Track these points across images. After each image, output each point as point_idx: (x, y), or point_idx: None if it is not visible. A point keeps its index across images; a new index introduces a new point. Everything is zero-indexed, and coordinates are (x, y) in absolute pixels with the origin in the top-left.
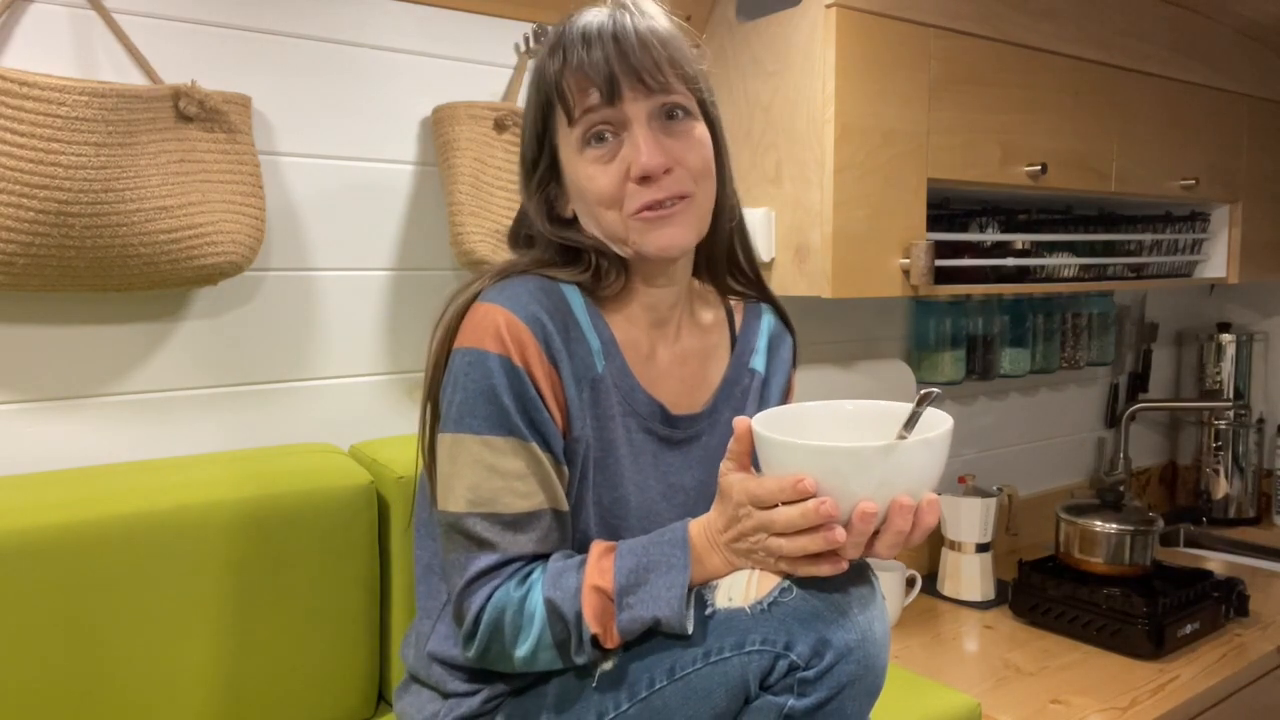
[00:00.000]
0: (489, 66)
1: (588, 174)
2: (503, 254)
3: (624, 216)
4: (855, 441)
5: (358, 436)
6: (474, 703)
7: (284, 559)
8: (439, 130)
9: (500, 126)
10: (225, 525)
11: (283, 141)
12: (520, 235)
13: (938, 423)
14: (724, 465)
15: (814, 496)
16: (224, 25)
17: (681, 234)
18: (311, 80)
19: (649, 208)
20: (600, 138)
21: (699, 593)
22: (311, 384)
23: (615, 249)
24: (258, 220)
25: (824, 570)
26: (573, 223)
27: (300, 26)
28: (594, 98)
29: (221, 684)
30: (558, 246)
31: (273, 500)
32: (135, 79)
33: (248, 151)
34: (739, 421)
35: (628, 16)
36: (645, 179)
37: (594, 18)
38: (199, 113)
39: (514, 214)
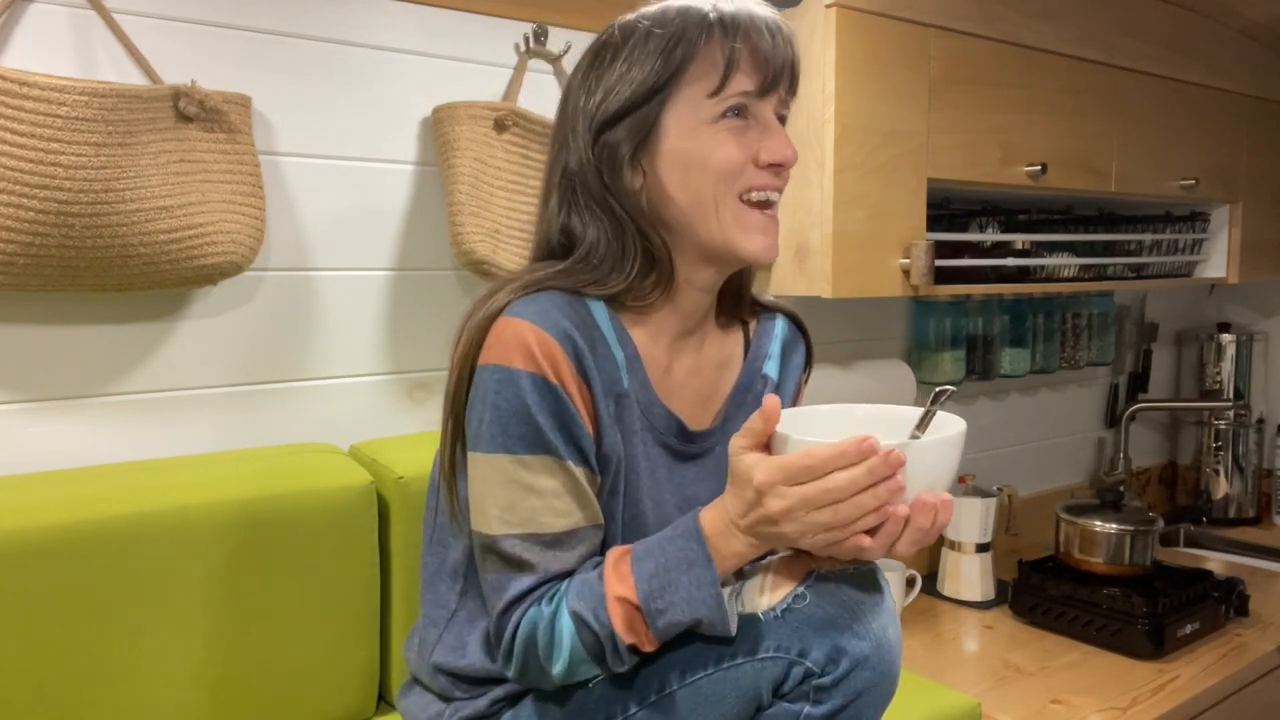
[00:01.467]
0: (489, 66)
1: (719, 140)
2: (503, 254)
3: (732, 196)
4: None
5: (358, 436)
6: (479, 704)
7: (284, 559)
8: (439, 130)
9: (500, 126)
10: (225, 525)
11: (283, 141)
12: (580, 201)
13: (951, 423)
14: (737, 442)
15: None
16: (224, 25)
17: (776, 245)
18: (311, 80)
19: (758, 190)
20: (739, 114)
21: (737, 593)
22: (311, 384)
23: (701, 230)
24: (258, 220)
25: (868, 548)
26: (638, 195)
27: (300, 26)
28: (752, 84)
29: (222, 683)
30: (624, 232)
31: (273, 500)
32: (135, 79)
33: (248, 151)
34: (769, 399)
35: (779, 16)
36: (777, 166)
37: (758, 9)
38: (199, 113)
39: (514, 214)
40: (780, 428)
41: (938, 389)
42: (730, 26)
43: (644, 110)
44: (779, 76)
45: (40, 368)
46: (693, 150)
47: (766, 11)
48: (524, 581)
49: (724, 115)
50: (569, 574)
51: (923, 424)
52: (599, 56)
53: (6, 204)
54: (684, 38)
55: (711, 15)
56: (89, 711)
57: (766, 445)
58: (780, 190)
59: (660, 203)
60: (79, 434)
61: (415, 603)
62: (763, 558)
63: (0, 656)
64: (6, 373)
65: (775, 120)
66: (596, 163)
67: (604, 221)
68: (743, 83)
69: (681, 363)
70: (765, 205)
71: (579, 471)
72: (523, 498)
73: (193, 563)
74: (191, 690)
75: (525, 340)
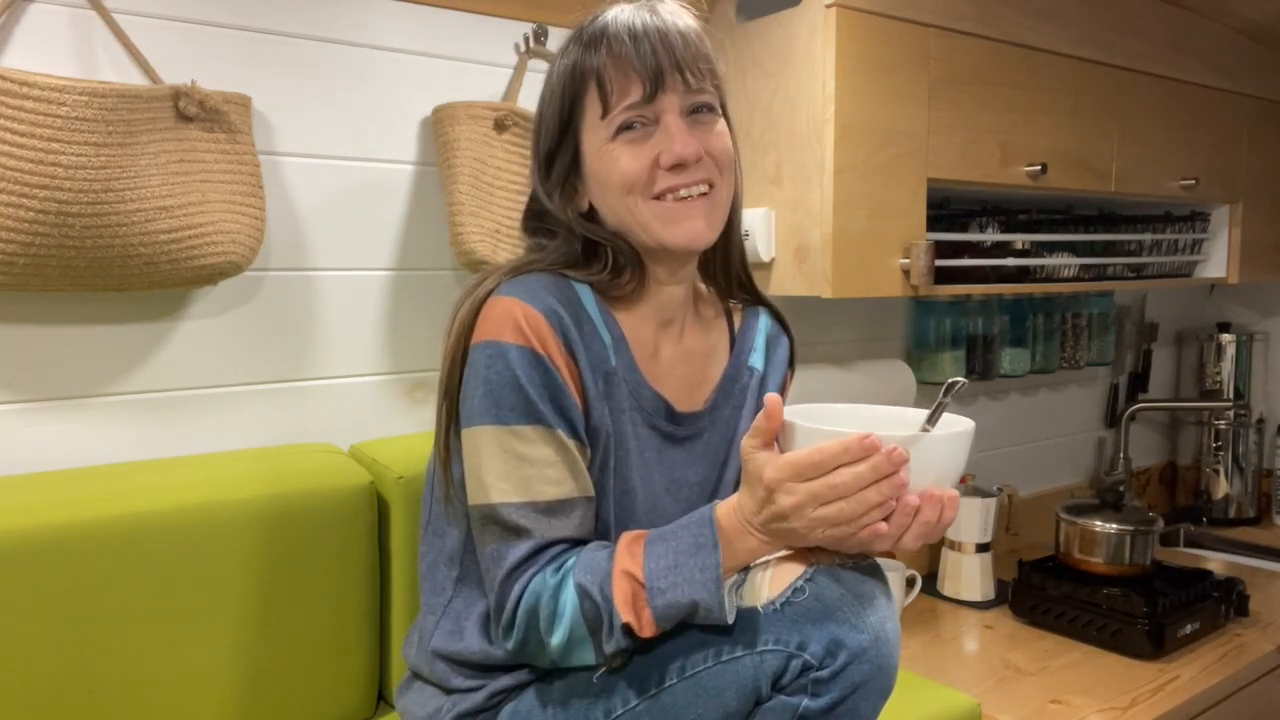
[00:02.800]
0: (489, 66)
1: (615, 156)
2: (503, 254)
3: (646, 201)
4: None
5: (358, 436)
6: (478, 698)
7: (284, 559)
8: (439, 130)
9: (500, 126)
10: (226, 525)
11: (283, 141)
12: (536, 226)
13: (959, 421)
14: (748, 443)
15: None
16: (224, 25)
17: (705, 228)
18: (311, 80)
19: (672, 191)
20: (632, 126)
21: (736, 584)
22: (311, 384)
23: (635, 237)
24: (258, 220)
25: (882, 535)
26: (589, 216)
27: (301, 26)
28: (636, 93)
29: (222, 683)
30: (580, 241)
31: (273, 500)
32: (135, 79)
33: (248, 151)
34: (770, 398)
35: (665, 15)
36: (678, 166)
37: (632, 15)
38: (199, 113)
39: (514, 214)
40: (789, 416)
41: (950, 380)
42: (594, 47)
43: (566, 141)
44: (659, 77)
45: (40, 368)
46: (599, 171)
47: (629, 15)
48: (522, 548)
49: (618, 133)
50: (565, 541)
51: (933, 418)
52: (543, 85)
53: (6, 204)
54: (572, 70)
55: (586, 38)
56: (89, 711)
57: (775, 442)
58: (702, 183)
59: (601, 217)
60: (79, 434)
61: (415, 602)
62: None
63: (0, 656)
64: (6, 373)
65: (674, 120)
66: (549, 192)
67: (567, 238)
68: (625, 96)
69: (668, 347)
70: (688, 199)
71: (570, 443)
72: (517, 466)
73: (193, 563)
74: (191, 690)
75: (514, 315)
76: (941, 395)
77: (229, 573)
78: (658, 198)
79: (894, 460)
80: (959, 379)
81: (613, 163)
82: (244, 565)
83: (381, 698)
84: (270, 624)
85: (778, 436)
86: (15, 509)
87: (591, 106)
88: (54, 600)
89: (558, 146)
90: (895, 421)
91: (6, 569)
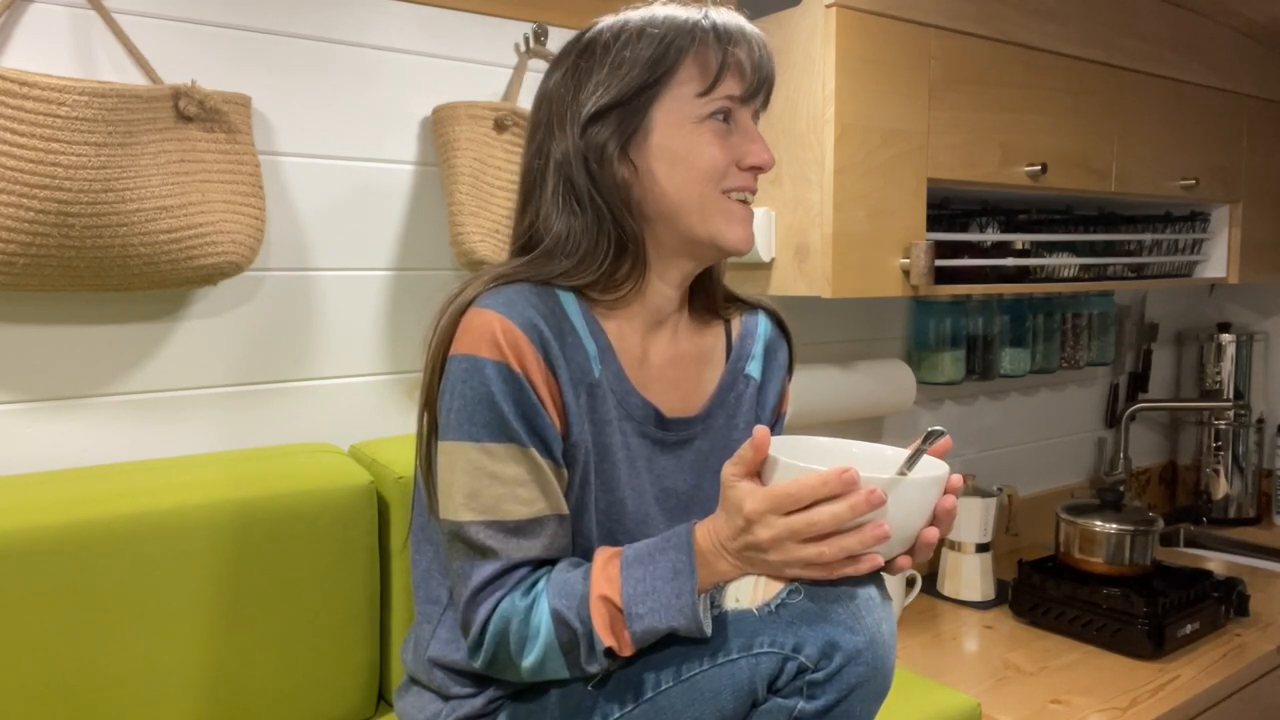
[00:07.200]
0: (489, 66)
1: (706, 141)
2: (502, 253)
3: (719, 193)
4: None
5: (358, 436)
6: (476, 703)
7: (284, 559)
8: (439, 130)
9: (500, 126)
10: (225, 525)
11: (283, 141)
12: (557, 195)
13: (936, 464)
14: (730, 470)
15: (858, 488)
16: (224, 25)
17: (752, 235)
18: (311, 80)
19: (738, 191)
20: (725, 117)
21: (709, 594)
22: (311, 384)
23: (684, 222)
24: (258, 220)
25: (863, 569)
26: (624, 188)
27: (300, 26)
28: (737, 88)
29: (221, 684)
30: (609, 227)
31: (273, 500)
32: (135, 79)
33: (248, 151)
34: (759, 430)
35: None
36: (756, 170)
37: (746, 23)
38: (199, 113)
39: (514, 214)
40: (771, 451)
41: (930, 429)
42: (724, 34)
43: (634, 104)
44: (761, 86)
45: (40, 368)
46: (680, 148)
47: (752, 27)
48: (488, 569)
49: (710, 116)
50: (533, 562)
51: (911, 462)
52: (586, 52)
53: (6, 204)
54: (677, 38)
55: (704, 22)
56: (88, 712)
57: (757, 473)
58: (755, 191)
59: (648, 195)
60: (79, 434)
61: (414, 604)
62: None
63: (0, 656)
64: (6, 373)
65: (754, 127)
66: (584, 155)
67: (581, 215)
68: (730, 87)
69: (657, 352)
70: (743, 202)
71: (543, 461)
72: (487, 485)
73: (192, 563)
74: (191, 690)
75: (491, 329)
76: (920, 442)
77: (229, 573)
78: (725, 193)
79: (872, 501)
80: (940, 429)
81: (703, 145)
82: (244, 565)
83: (382, 698)
84: (270, 623)
85: (759, 469)
86: (15, 509)
87: (690, 81)
88: (53, 600)
89: (621, 104)
90: (878, 460)
91: (6, 569)
